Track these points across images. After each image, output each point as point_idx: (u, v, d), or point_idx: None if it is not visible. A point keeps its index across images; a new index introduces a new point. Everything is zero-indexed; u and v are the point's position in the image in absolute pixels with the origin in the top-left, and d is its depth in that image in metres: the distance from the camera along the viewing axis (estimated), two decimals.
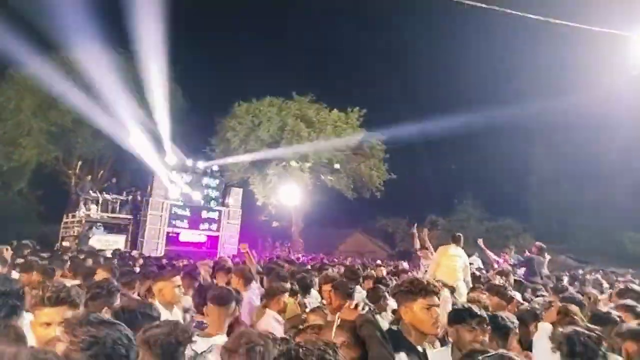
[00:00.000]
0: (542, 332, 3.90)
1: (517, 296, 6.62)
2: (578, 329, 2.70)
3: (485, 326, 3.15)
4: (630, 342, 2.93)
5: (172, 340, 2.36)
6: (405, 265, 14.26)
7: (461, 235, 9.05)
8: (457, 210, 37.85)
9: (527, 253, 12.66)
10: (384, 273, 10.47)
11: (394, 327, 2.77)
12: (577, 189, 34.69)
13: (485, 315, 3.22)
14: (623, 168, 30.91)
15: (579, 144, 33.73)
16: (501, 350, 2.06)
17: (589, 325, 2.99)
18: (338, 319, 2.56)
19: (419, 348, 2.66)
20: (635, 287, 6.56)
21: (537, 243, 12.07)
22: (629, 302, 4.53)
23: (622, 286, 7.36)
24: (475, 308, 3.29)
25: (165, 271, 5.21)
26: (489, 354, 2.05)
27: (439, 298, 2.74)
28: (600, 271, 20.89)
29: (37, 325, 2.69)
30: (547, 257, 11.95)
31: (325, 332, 2.75)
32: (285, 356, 1.87)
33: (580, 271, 17.90)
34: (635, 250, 30.30)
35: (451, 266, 8.35)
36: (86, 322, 1.91)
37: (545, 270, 11.55)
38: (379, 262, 16.14)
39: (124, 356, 1.81)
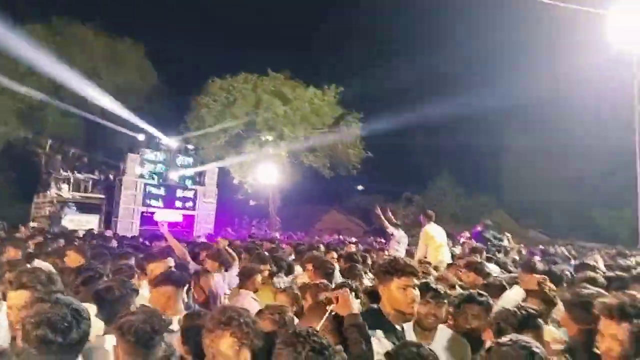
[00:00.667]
0: (511, 293, 3.94)
1: (496, 271, 6.73)
2: (511, 308, 2.78)
3: (441, 300, 3.18)
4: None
5: (147, 329, 2.31)
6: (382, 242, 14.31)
7: (433, 212, 9.22)
8: (432, 187, 38.28)
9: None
10: (353, 249, 10.58)
11: (375, 306, 2.80)
12: (550, 165, 35.34)
13: (441, 291, 3.25)
14: (596, 145, 31.55)
15: (553, 122, 34.27)
16: (517, 336, 2.05)
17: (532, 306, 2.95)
18: (331, 312, 2.55)
19: (397, 327, 2.71)
20: (593, 261, 6.76)
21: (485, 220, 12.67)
22: (590, 273, 4.65)
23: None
24: (431, 282, 3.34)
25: (158, 252, 5.25)
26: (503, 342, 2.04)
27: (418, 279, 2.76)
28: (569, 246, 21.53)
29: (9, 308, 2.68)
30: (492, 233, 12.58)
31: (314, 317, 2.71)
32: (284, 335, 2.02)
33: (559, 248, 18.23)
34: (605, 226, 31.22)
35: (437, 246, 8.59)
36: (40, 299, 2.17)
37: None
38: (353, 239, 16.29)
39: (66, 328, 2.04)
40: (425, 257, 8.90)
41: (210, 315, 2.48)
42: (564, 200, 35.18)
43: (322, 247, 10.54)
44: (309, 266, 5.56)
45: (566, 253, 15.13)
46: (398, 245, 10.28)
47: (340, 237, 20.16)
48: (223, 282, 5.58)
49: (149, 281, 4.24)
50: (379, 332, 2.55)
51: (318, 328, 2.38)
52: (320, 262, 5.40)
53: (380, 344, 2.49)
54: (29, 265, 5.99)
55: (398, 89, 38.37)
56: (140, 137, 22.71)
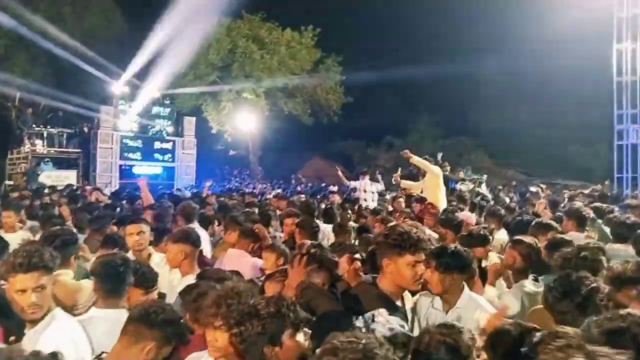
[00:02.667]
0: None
1: (472, 218, 6.83)
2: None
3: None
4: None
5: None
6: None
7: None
8: (412, 130, 38.25)
9: None
10: (338, 200, 10.69)
11: (369, 279, 2.66)
12: (528, 105, 35.47)
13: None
14: (574, 82, 31.59)
15: (531, 58, 34.04)
16: None
17: None
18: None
19: (397, 303, 2.59)
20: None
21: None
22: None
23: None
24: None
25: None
26: None
27: (425, 254, 2.61)
28: (543, 185, 22.07)
29: (12, 292, 2.57)
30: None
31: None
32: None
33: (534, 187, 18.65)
34: (580, 163, 31.90)
35: (442, 191, 8.72)
36: None
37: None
38: (334, 188, 16.38)
39: None
40: (414, 193, 9.14)
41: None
42: (540, 138, 35.60)
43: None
44: (289, 220, 5.52)
45: (542, 194, 15.55)
46: (365, 194, 10.46)
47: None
48: None
49: None
50: (383, 311, 2.32)
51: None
52: (304, 221, 5.36)
53: (388, 324, 2.26)
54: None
55: (377, 31, 37.49)
56: (114, 87, 21.93)
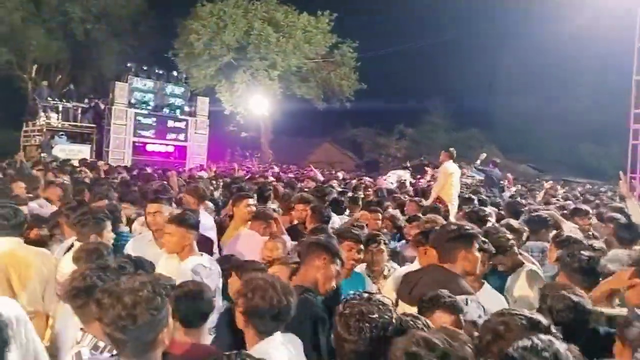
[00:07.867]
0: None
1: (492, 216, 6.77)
2: None
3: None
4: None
5: None
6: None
7: (453, 150, 9.27)
8: (424, 120, 38.06)
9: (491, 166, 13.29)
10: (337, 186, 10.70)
11: (452, 269, 2.72)
12: (541, 100, 35.21)
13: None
14: (590, 80, 31.24)
15: (546, 55, 33.70)
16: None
17: None
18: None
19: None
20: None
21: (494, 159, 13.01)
22: None
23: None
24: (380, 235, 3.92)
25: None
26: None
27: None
28: (561, 180, 22.02)
29: None
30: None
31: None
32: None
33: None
34: (591, 162, 31.69)
35: (452, 183, 8.78)
36: None
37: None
38: (340, 175, 16.41)
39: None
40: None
41: None
42: (553, 134, 35.35)
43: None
44: (300, 206, 5.52)
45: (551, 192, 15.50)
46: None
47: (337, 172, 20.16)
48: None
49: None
50: (474, 297, 2.53)
51: None
52: (318, 207, 5.38)
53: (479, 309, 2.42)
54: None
55: (394, 19, 37.20)
56: (128, 63, 21.95)
